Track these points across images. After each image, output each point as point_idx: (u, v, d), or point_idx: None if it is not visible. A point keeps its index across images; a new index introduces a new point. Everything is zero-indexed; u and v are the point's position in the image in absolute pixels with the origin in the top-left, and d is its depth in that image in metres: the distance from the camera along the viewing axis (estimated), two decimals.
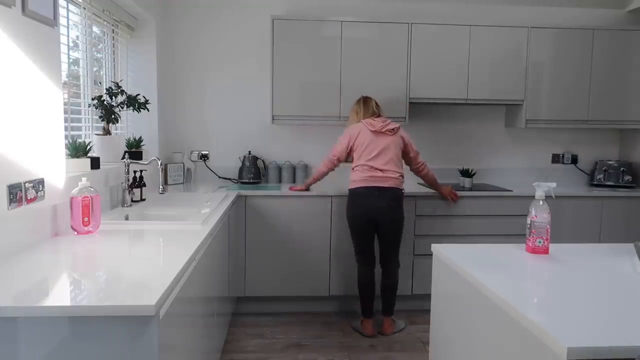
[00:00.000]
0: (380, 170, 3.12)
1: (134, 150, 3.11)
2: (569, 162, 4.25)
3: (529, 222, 1.89)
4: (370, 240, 3.22)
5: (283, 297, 3.57)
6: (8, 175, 1.68)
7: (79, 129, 2.80)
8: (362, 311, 3.28)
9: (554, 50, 3.83)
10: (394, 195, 3.13)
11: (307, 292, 3.56)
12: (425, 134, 4.11)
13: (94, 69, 3.08)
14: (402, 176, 3.20)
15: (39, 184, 1.88)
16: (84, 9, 2.81)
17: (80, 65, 2.87)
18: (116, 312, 1.26)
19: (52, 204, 1.98)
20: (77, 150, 2.38)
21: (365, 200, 3.13)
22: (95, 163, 2.45)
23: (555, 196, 1.99)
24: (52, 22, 1.97)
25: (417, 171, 3.37)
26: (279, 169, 3.97)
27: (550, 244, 1.90)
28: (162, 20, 3.81)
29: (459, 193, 3.58)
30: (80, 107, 2.81)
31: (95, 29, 3.05)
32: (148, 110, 3.08)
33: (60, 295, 1.42)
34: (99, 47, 3.17)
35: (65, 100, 2.50)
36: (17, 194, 1.73)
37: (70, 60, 2.66)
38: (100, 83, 3.17)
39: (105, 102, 2.78)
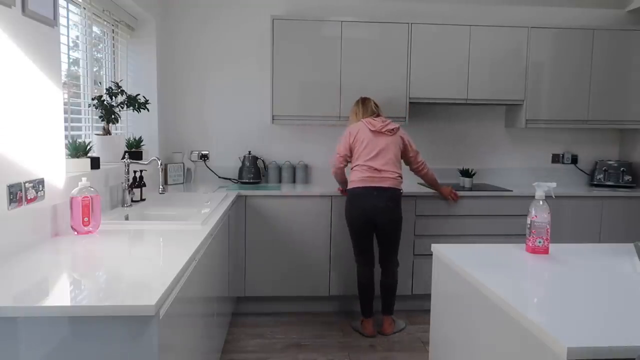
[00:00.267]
0: (379, 170, 3.12)
1: (134, 150, 3.11)
2: (569, 162, 4.25)
3: (529, 222, 1.89)
4: (369, 241, 3.23)
5: (283, 297, 3.57)
6: (8, 175, 1.68)
7: (79, 129, 2.80)
8: (362, 311, 3.28)
9: (554, 50, 3.83)
10: (392, 196, 3.13)
11: (307, 292, 3.56)
12: (425, 134, 4.11)
13: (94, 69, 3.08)
14: (401, 176, 3.20)
15: (39, 184, 1.88)
16: (84, 9, 2.81)
17: (80, 65, 2.87)
18: (116, 312, 1.26)
19: (52, 204, 1.98)
20: (77, 150, 2.38)
21: (364, 200, 3.13)
22: (95, 163, 2.45)
23: (555, 196, 1.99)
24: (52, 22, 1.97)
25: (417, 171, 3.37)
26: (279, 169, 3.97)
27: (550, 244, 1.90)
28: (162, 20, 3.81)
29: (459, 193, 3.58)
30: (80, 107, 2.81)
31: (95, 29, 3.05)
32: (148, 110, 3.08)
33: (60, 295, 1.42)
34: (99, 47, 3.17)
35: (65, 100, 2.50)
36: (17, 194, 1.73)
37: (70, 60, 2.66)
38: (100, 83, 3.17)
39: (105, 102, 2.78)
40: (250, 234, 3.49)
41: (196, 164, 4.03)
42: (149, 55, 3.65)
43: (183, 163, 3.94)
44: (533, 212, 1.88)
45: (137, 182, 2.84)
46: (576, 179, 4.25)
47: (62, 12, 2.42)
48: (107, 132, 2.82)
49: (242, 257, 3.50)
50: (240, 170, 3.89)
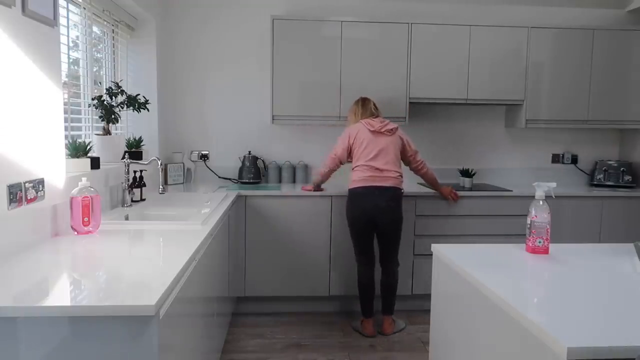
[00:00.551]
0: (380, 170, 3.12)
1: (134, 150, 3.11)
2: (569, 162, 4.25)
3: (529, 222, 1.89)
4: (370, 240, 3.23)
5: (283, 297, 3.57)
6: (8, 175, 1.68)
7: (79, 129, 2.80)
8: (362, 311, 3.28)
9: (554, 50, 3.83)
10: (393, 195, 3.14)
11: (307, 292, 3.56)
12: (425, 134, 4.11)
13: (94, 69, 3.08)
14: (402, 176, 3.21)
15: (39, 184, 1.88)
16: (84, 9, 2.81)
17: (80, 65, 2.87)
18: (116, 312, 1.26)
19: (52, 204, 1.98)
20: (77, 150, 2.38)
21: (365, 200, 3.14)
22: (95, 163, 2.45)
23: (555, 196, 1.99)
24: (52, 22, 1.97)
25: (416, 170, 3.38)
26: (279, 169, 3.97)
27: (550, 244, 1.90)
28: (162, 20, 3.81)
29: (459, 193, 3.58)
30: (80, 107, 2.81)
31: (95, 29, 3.05)
32: (148, 110, 3.08)
33: (60, 295, 1.42)
34: (99, 47, 3.17)
35: (65, 100, 2.50)
36: (17, 194, 1.73)
37: (70, 60, 2.66)
38: (100, 83, 3.17)
39: (105, 102, 2.78)
40: (250, 234, 3.49)
41: (196, 164, 4.03)
42: (149, 55, 3.65)
43: (183, 163, 3.94)
44: (533, 212, 1.88)
45: (137, 182, 2.84)
46: (576, 179, 4.25)
47: (62, 12, 2.42)
48: (107, 132, 2.82)
49: (242, 257, 3.50)
50: (240, 170, 3.89)
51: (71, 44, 2.67)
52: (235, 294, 3.49)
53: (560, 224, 3.59)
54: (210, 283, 2.32)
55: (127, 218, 2.56)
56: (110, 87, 2.89)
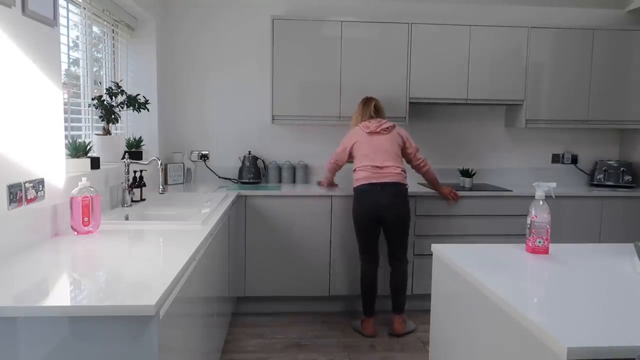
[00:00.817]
0: (380, 167, 3.14)
1: (134, 150, 3.11)
2: (569, 162, 4.25)
3: (529, 222, 1.89)
4: (374, 238, 3.23)
5: (283, 297, 3.57)
6: (8, 175, 1.68)
7: (79, 129, 2.80)
8: (364, 310, 3.28)
9: (554, 50, 3.83)
10: (396, 191, 3.14)
11: (307, 292, 3.56)
12: (425, 134, 4.11)
13: (94, 69, 3.08)
14: (404, 171, 3.21)
15: (39, 184, 1.88)
16: (84, 9, 2.81)
17: (80, 65, 2.87)
18: (116, 312, 1.26)
19: (52, 204, 1.98)
20: (77, 150, 2.38)
21: (368, 196, 3.15)
22: (95, 163, 2.45)
23: (555, 196, 1.99)
24: (52, 22, 1.97)
25: (417, 168, 3.38)
26: (279, 169, 3.97)
27: (550, 244, 1.90)
28: (162, 20, 3.81)
29: (459, 193, 3.58)
30: (80, 107, 2.81)
31: (95, 29, 3.05)
32: (148, 110, 3.08)
33: (60, 295, 1.42)
34: (99, 47, 3.17)
35: (65, 100, 2.50)
36: (17, 194, 1.73)
37: (70, 60, 2.66)
38: (100, 83, 3.17)
39: (105, 102, 2.78)
40: (250, 234, 3.49)
41: (196, 164, 4.03)
42: (149, 55, 3.65)
43: (183, 163, 3.94)
44: (533, 212, 1.88)
45: (137, 182, 2.84)
46: (576, 179, 4.25)
47: (62, 12, 2.42)
48: (107, 132, 2.82)
49: (242, 257, 3.50)
50: (240, 170, 3.89)
51: (71, 44, 2.67)
52: (235, 294, 3.49)
53: (560, 224, 3.59)
54: (210, 283, 2.32)
55: (127, 218, 2.56)
56: (110, 87, 2.89)
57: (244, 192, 3.46)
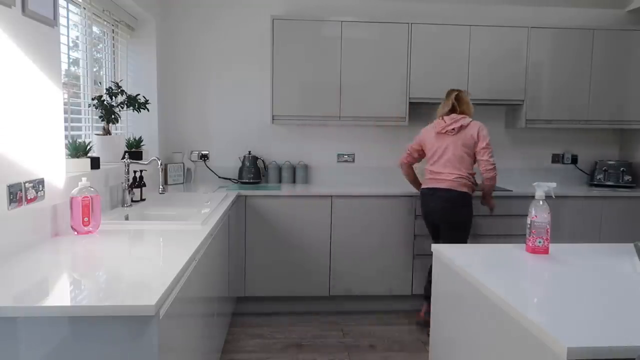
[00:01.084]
0: (437, 172, 3.15)
1: (134, 150, 3.11)
2: (569, 162, 4.25)
3: (529, 222, 1.89)
4: (437, 235, 3.26)
5: (283, 297, 3.57)
6: (8, 175, 1.68)
7: (79, 129, 2.80)
8: (425, 296, 3.26)
9: (554, 50, 3.83)
10: (448, 197, 3.08)
11: (307, 292, 3.56)
12: None
13: (94, 69, 3.08)
14: (463, 177, 3.09)
15: (39, 184, 1.88)
16: (84, 9, 2.81)
17: (80, 65, 2.87)
18: (116, 312, 1.26)
19: (52, 204, 1.98)
20: (77, 150, 2.38)
21: (425, 200, 3.22)
22: (95, 163, 2.45)
23: (555, 196, 1.99)
24: (52, 22, 1.97)
25: (481, 171, 3.17)
26: (279, 169, 3.97)
27: (550, 244, 1.90)
28: (162, 20, 3.81)
29: None
30: (80, 107, 2.81)
31: (95, 29, 3.05)
32: (148, 110, 3.08)
33: (60, 295, 1.42)
34: (99, 47, 3.17)
35: (65, 100, 2.50)
36: (17, 194, 1.73)
37: (70, 60, 2.66)
38: (100, 83, 3.17)
39: (105, 102, 2.78)
40: (250, 234, 3.48)
41: (196, 164, 4.03)
42: (149, 55, 3.65)
43: (183, 163, 3.94)
44: (533, 212, 1.88)
45: (137, 182, 2.84)
46: (576, 179, 4.25)
47: (62, 12, 2.42)
48: (107, 132, 2.82)
49: (242, 257, 3.50)
50: (240, 170, 3.89)
51: (71, 44, 2.67)
52: (235, 294, 3.49)
53: (560, 224, 3.59)
54: (210, 283, 2.32)
55: (127, 218, 2.56)
56: (110, 87, 2.89)
57: (244, 192, 3.46)
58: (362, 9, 3.96)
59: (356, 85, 3.70)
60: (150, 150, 3.49)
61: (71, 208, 2.03)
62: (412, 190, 3.57)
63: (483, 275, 1.59)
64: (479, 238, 3.54)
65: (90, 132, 2.92)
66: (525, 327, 1.25)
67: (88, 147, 2.45)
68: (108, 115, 2.78)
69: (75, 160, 2.34)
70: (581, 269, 1.70)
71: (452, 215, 3.12)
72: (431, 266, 3.19)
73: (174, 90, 3.95)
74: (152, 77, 3.66)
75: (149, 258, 1.79)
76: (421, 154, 3.34)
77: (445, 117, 3.17)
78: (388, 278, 3.57)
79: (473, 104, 3.85)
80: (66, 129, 2.43)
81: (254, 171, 3.86)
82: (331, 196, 3.52)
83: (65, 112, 2.38)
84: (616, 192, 3.76)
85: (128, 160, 2.72)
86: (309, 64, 3.69)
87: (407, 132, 4.07)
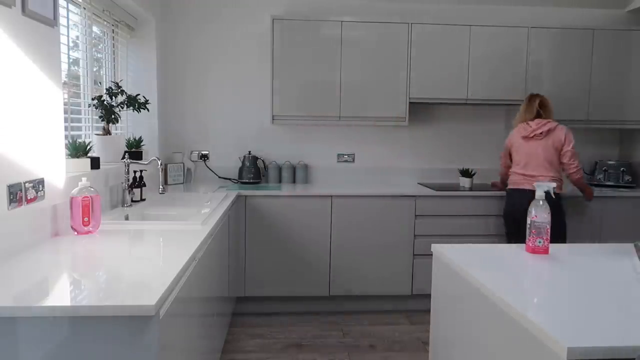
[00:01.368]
0: (531, 175, 3.19)
1: (134, 150, 3.11)
2: None
3: (529, 222, 1.89)
4: (516, 239, 3.22)
5: (283, 297, 3.57)
6: (8, 175, 1.68)
7: (79, 129, 2.80)
8: None
9: (554, 50, 3.83)
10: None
11: (307, 292, 3.56)
12: (425, 134, 4.11)
13: (94, 69, 3.08)
14: (555, 179, 3.17)
15: (39, 184, 1.88)
16: (84, 9, 2.81)
17: (80, 65, 2.87)
18: (116, 312, 1.26)
19: (52, 204, 1.98)
20: (77, 150, 2.38)
21: (514, 200, 3.26)
22: (95, 163, 2.45)
23: (555, 196, 1.99)
24: (52, 22, 1.97)
25: (567, 174, 3.32)
26: (279, 169, 3.97)
27: (550, 243, 1.90)
28: (162, 20, 3.81)
29: (459, 193, 3.58)
30: (80, 107, 2.81)
31: (95, 29, 3.05)
32: (148, 110, 3.08)
33: (60, 295, 1.42)
34: (99, 47, 3.17)
35: (65, 100, 2.50)
36: (17, 194, 1.73)
37: (70, 60, 2.66)
38: (100, 83, 3.17)
39: (105, 102, 2.78)
40: (250, 234, 3.49)
41: (196, 164, 4.03)
42: (149, 55, 3.65)
43: (183, 163, 3.94)
44: (533, 212, 1.88)
45: (137, 182, 2.84)
46: None
47: (62, 12, 2.42)
48: (107, 132, 2.82)
49: (242, 257, 3.50)
50: (240, 170, 3.89)
51: (71, 44, 2.67)
52: (235, 294, 3.49)
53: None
54: (210, 283, 2.32)
55: (127, 218, 2.56)
56: (110, 87, 2.90)
57: (244, 192, 3.46)
58: (362, 9, 3.96)
59: (356, 85, 3.70)
60: (150, 150, 3.49)
61: (71, 208, 2.03)
62: (412, 190, 3.58)
63: (483, 275, 1.59)
64: (479, 238, 3.54)
65: (90, 132, 2.92)
66: (525, 327, 1.25)
67: (88, 147, 2.45)
68: (108, 115, 2.78)
69: (75, 160, 2.34)
70: (581, 269, 1.70)
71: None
72: None
73: (174, 90, 3.95)
74: (152, 77, 3.66)
75: (149, 258, 1.79)
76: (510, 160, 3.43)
77: (529, 123, 3.27)
78: (388, 278, 3.57)
79: (473, 104, 3.88)
80: (66, 129, 2.43)
81: (254, 171, 3.86)
82: (331, 196, 3.51)
83: (65, 112, 2.38)
84: (616, 192, 3.76)
85: (128, 160, 2.72)
86: (309, 64, 3.69)
87: (407, 132, 4.08)
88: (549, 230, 1.88)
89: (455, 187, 3.74)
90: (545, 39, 3.81)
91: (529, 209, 1.89)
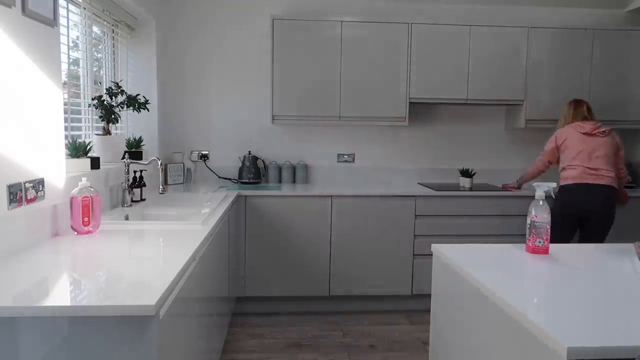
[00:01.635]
0: (594, 169, 3.16)
1: (134, 150, 3.11)
2: None
3: (529, 222, 1.89)
4: (572, 235, 3.25)
5: (283, 297, 3.57)
6: (8, 175, 1.68)
7: (79, 129, 2.80)
8: None
9: (554, 50, 3.83)
10: (607, 193, 3.14)
11: (307, 292, 3.56)
12: (425, 134, 4.11)
13: (94, 69, 3.08)
14: (616, 176, 3.21)
15: (39, 184, 1.88)
16: (84, 9, 2.81)
17: (80, 65, 2.87)
18: (116, 312, 1.26)
19: (52, 204, 1.98)
20: (77, 150, 2.38)
21: (578, 196, 3.18)
22: (95, 163, 2.45)
23: (555, 196, 1.99)
24: (52, 22, 1.97)
25: (618, 175, 3.30)
26: (279, 169, 3.97)
27: (550, 243, 1.90)
28: (162, 20, 3.81)
29: (459, 193, 3.58)
30: (80, 107, 2.81)
31: (95, 29, 3.05)
32: (148, 110, 3.08)
33: (60, 295, 1.42)
34: (99, 47, 3.17)
35: (65, 100, 2.50)
36: (17, 194, 1.73)
37: (70, 60, 2.66)
38: (100, 83, 3.18)
39: (105, 102, 2.78)
40: (250, 234, 3.49)
41: (196, 164, 4.03)
42: (149, 55, 3.66)
43: (183, 163, 3.94)
44: (533, 212, 1.88)
45: (137, 182, 2.85)
46: None
47: (62, 12, 2.42)
48: (107, 132, 2.82)
49: (242, 257, 3.50)
50: (240, 170, 3.89)
51: (71, 44, 2.67)
52: (235, 294, 3.49)
53: None
54: (210, 283, 2.32)
55: (127, 218, 2.56)
56: (110, 87, 2.90)
57: (244, 192, 3.46)
58: (362, 8, 3.96)
59: (356, 85, 3.70)
60: (150, 150, 3.49)
61: (71, 208, 2.03)
62: (412, 190, 3.58)
63: (483, 275, 1.59)
64: (479, 238, 3.54)
65: (90, 132, 2.92)
66: (525, 327, 1.25)
67: (88, 147, 2.45)
68: (108, 115, 2.78)
69: (75, 160, 2.34)
70: (581, 269, 1.70)
71: (610, 211, 3.17)
72: None
73: (174, 90, 3.95)
74: (152, 77, 3.66)
75: (149, 258, 1.79)
76: (556, 161, 3.38)
77: (584, 123, 3.28)
78: (388, 278, 3.57)
79: (473, 104, 3.88)
80: (66, 129, 2.43)
81: (254, 171, 3.86)
82: (331, 196, 3.52)
83: (65, 112, 2.38)
84: None
85: (128, 160, 2.72)
86: (309, 64, 3.69)
87: (407, 132, 4.08)
88: (549, 230, 1.88)
89: (455, 187, 3.74)
90: (545, 39, 3.81)
91: (529, 209, 1.89)
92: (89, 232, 2.06)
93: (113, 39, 3.35)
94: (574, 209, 3.20)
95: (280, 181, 3.96)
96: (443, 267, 1.91)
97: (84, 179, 2.09)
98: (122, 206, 2.70)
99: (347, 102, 3.69)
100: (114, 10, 3.17)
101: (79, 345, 1.28)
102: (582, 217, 3.19)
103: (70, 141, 2.41)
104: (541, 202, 1.87)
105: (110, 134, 2.84)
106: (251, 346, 3.07)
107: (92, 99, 2.81)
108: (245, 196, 3.46)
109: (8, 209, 1.68)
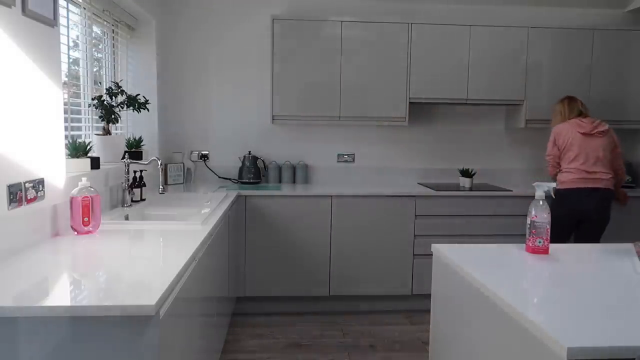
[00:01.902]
0: (590, 172, 3.14)
1: (134, 150, 3.11)
2: None
3: (529, 222, 1.89)
4: (568, 237, 3.24)
5: (283, 297, 3.57)
6: (8, 175, 1.68)
7: (79, 129, 2.80)
8: None
9: (554, 50, 3.83)
10: (604, 195, 3.14)
11: (307, 292, 3.56)
12: (425, 134, 4.11)
13: (94, 69, 3.08)
14: (613, 177, 3.20)
15: (39, 184, 1.88)
16: (84, 9, 2.81)
17: (80, 65, 2.87)
18: (116, 312, 1.26)
19: (52, 204, 1.98)
20: (77, 150, 2.38)
21: (574, 201, 3.16)
22: (95, 163, 2.45)
23: (555, 196, 1.99)
24: (52, 22, 1.97)
25: (616, 172, 3.30)
26: (279, 169, 3.97)
27: (550, 243, 1.90)
28: (162, 20, 3.81)
29: (459, 193, 3.58)
30: (80, 107, 2.81)
31: (95, 29, 3.05)
32: (148, 110, 3.08)
33: (60, 295, 1.42)
34: (99, 47, 3.17)
35: (65, 100, 2.50)
36: (17, 194, 1.73)
37: (70, 60, 2.66)
38: (100, 83, 3.18)
39: (105, 102, 2.78)
40: (250, 234, 3.49)
41: (196, 164, 4.03)
42: (148, 55, 3.66)
43: (183, 163, 3.94)
44: (533, 212, 1.88)
45: (137, 182, 2.84)
46: None
47: (62, 12, 2.42)
48: (107, 132, 2.82)
49: (242, 257, 3.50)
50: (240, 170, 3.89)
51: (71, 44, 2.67)
52: (235, 294, 3.49)
53: None
54: (210, 283, 2.32)
55: (127, 218, 2.56)
56: (110, 87, 2.90)
57: (244, 192, 3.46)
58: (362, 9, 3.96)
59: (356, 85, 3.70)
60: (150, 150, 3.49)
61: (71, 208, 2.03)
62: (412, 190, 3.58)
63: (483, 275, 1.59)
64: (479, 238, 3.54)
65: (90, 132, 2.92)
66: (525, 327, 1.25)
67: (88, 147, 2.45)
68: (108, 115, 2.78)
69: (75, 160, 2.34)
70: (581, 269, 1.70)
71: (605, 212, 3.17)
72: None
73: (174, 90, 3.95)
74: (152, 77, 3.66)
75: (149, 258, 1.79)
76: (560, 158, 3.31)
77: (582, 120, 3.23)
78: (388, 278, 3.57)
79: (473, 104, 3.88)
80: (66, 129, 2.43)
81: (254, 171, 3.86)
82: (331, 196, 3.51)
83: (65, 112, 2.38)
84: None
85: (128, 160, 2.72)
86: (309, 64, 3.69)
87: (407, 132, 4.08)
88: (549, 230, 1.88)
89: (455, 187, 3.74)
90: (545, 39, 3.81)
91: (529, 209, 1.89)
92: (89, 232, 2.06)
93: (113, 39, 3.35)
94: (568, 214, 3.19)
95: (280, 181, 3.96)
96: (443, 267, 1.91)
97: (84, 179, 2.09)
98: (122, 206, 2.70)
99: (347, 102, 3.69)
100: (114, 10, 3.17)
101: (79, 345, 1.28)
102: (578, 219, 3.20)
103: (70, 141, 2.41)
104: (541, 202, 1.87)
105: (110, 134, 2.84)
106: (251, 346, 3.07)
107: (92, 99, 2.81)
108: (245, 196, 3.46)
109: (8, 209, 1.68)
